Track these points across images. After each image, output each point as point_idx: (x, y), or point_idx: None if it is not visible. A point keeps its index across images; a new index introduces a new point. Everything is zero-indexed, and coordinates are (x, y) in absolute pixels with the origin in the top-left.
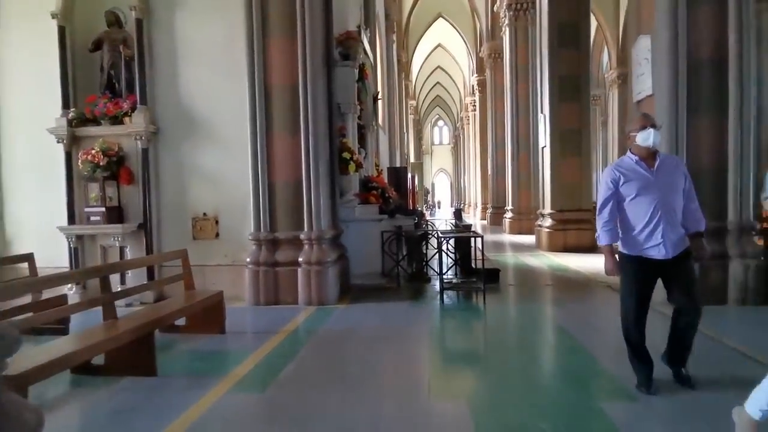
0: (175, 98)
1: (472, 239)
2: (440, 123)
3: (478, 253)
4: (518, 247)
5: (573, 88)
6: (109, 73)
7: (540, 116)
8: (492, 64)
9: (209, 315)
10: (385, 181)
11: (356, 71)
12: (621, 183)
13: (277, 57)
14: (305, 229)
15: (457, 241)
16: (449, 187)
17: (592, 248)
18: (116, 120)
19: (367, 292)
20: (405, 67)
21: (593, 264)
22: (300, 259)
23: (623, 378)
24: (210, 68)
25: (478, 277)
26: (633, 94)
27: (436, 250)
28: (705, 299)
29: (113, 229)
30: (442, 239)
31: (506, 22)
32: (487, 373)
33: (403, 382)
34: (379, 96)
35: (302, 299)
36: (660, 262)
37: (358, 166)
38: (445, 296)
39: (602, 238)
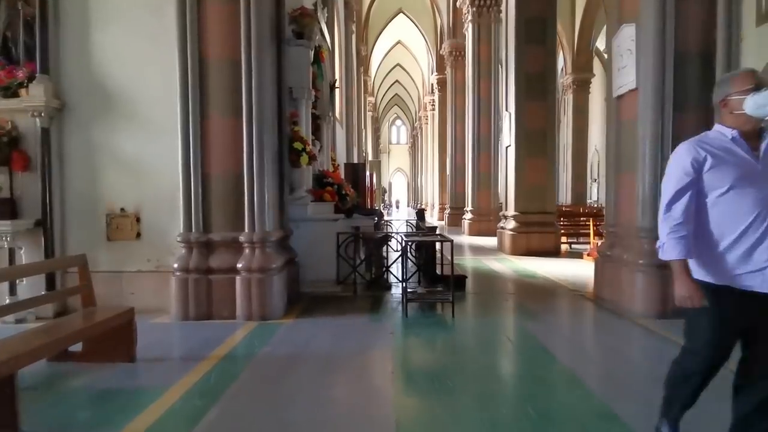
0: (86, 68)
1: (438, 244)
2: (398, 122)
3: (443, 259)
4: (480, 250)
5: (539, 86)
6: (4, 35)
7: (504, 114)
8: (453, 62)
9: (115, 338)
10: (342, 177)
11: (311, 52)
12: (707, 167)
13: (216, 26)
14: (246, 229)
15: (421, 245)
16: (406, 186)
17: (555, 252)
18: (9, 92)
19: (319, 303)
20: (364, 62)
21: (560, 269)
22: (239, 266)
23: (639, 426)
24: (132, 33)
25: (443, 284)
26: (613, 89)
27: (397, 255)
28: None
29: (2, 226)
30: (407, 243)
31: (469, 18)
32: (470, 417)
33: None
34: (337, 84)
35: (241, 313)
36: (762, 297)
37: (312, 158)
38: (408, 308)
39: (670, 250)
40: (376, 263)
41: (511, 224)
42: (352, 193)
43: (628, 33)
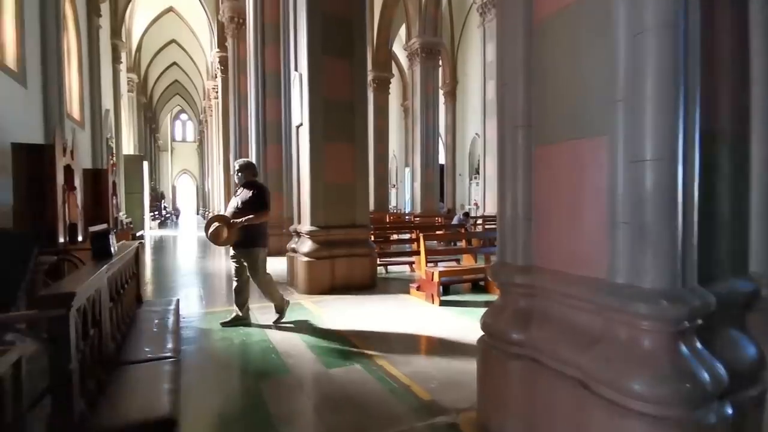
0: None
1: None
2: (183, 116)
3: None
4: None
5: (343, 36)
6: None
7: (294, 76)
8: (234, 31)
9: None
10: None
11: None
12: None
13: None
14: None
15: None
16: (195, 191)
17: (371, 284)
18: None
19: None
20: (110, 11)
21: (391, 328)
22: None
23: None
24: None
25: None
26: None
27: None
28: None
29: None
30: None
31: None
32: None
33: None
34: None
35: None
36: None
37: None
38: None
39: None
40: None
41: (307, 246)
42: None
43: None
